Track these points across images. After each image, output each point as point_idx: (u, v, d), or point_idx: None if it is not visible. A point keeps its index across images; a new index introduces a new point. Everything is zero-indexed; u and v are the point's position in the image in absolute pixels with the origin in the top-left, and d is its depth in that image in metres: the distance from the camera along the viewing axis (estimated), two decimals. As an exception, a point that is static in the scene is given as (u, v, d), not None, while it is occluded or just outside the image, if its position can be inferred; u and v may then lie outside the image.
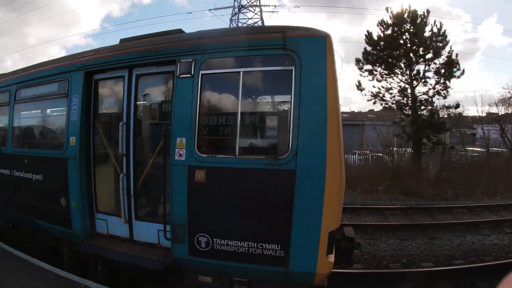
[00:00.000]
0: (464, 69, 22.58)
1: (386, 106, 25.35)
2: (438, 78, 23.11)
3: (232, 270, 5.24)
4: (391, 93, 24.86)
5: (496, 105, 32.45)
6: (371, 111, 41.57)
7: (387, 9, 24.49)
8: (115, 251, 6.10)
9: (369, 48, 25.10)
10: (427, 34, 23.16)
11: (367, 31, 25.17)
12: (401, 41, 23.91)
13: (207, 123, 5.32)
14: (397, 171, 22.68)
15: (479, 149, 31.93)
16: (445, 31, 22.95)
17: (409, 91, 24.08)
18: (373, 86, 25.28)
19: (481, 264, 9.29)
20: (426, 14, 23.26)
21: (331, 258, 4.90)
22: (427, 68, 23.45)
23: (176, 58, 5.49)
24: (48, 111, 8.10)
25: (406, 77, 24.25)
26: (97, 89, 6.78)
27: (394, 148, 26.18)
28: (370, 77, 25.32)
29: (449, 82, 22.95)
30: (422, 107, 23.86)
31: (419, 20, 23.23)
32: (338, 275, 8.23)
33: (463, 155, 27.19)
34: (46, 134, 8.23)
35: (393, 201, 18.21)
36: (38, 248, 8.09)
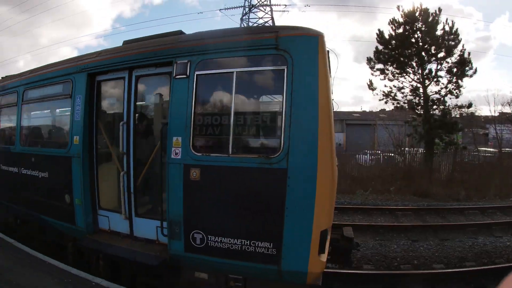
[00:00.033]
0: (476, 68, 22.47)
1: (398, 105, 25.28)
2: (450, 77, 23.00)
3: (226, 267, 5.35)
4: (403, 93, 24.82)
5: (509, 105, 32.07)
6: (383, 110, 41.50)
7: (398, 7, 24.27)
8: (116, 247, 6.34)
9: (380, 47, 25.03)
10: (439, 32, 23.01)
11: (379, 30, 25.17)
12: (413, 40, 23.81)
13: (201, 122, 5.46)
14: (409, 171, 22.53)
15: (491, 149, 31.59)
16: (457, 29, 22.82)
17: (421, 90, 23.96)
18: (385, 86, 25.26)
19: (492, 266, 9.17)
20: (437, 12, 23.15)
21: (324, 257, 4.95)
22: (439, 67, 23.34)
23: (172, 60, 5.66)
24: (54, 111, 8.42)
25: (418, 76, 24.17)
26: (99, 90, 7.05)
27: (406, 148, 26.04)
28: (382, 76, 25.31)
29: (462, 81, 22.85)
30: (434, 107, 23.79)
31: (430, 19, 23.12)
32: (350, 276, 8.45)
33: (476, 156, 26.84)
34: (51, 133, 8.52)
35: (404, 201, 18.20)
36: (43, 243, 8.43)
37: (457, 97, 23.29)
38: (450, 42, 22.73)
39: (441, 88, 23.38)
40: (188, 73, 5.43)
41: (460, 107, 24.08)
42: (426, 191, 19.77)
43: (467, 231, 12.33)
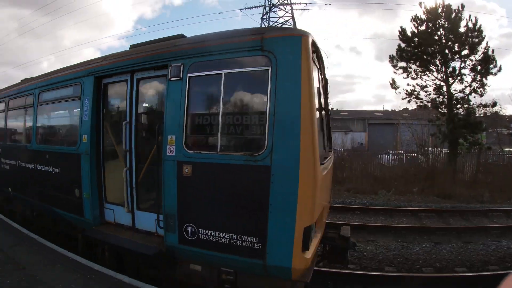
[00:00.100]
0: (500, 65, 22.36)
1: (421, 104, 25.23)
2: (474, 75, 22.86)
3: (217, 260, 5.61)
4: (426, 91, 24.78)
5: (535, 104, 31.78)
6: (405, 109, 41.32)
7: (420, 4, 24.23)
8: (118, 238, 6.82)
9: (403, 45, 25.01)
10: (462, 29, 22.93)
11: (401, 27, 25.17)
12: (436, 37, 23.77)
13: (193, 121, 5.83)
14: (432, 172, 22.26)
15: (516, 150, 31.02)
16: (480, 26, 22.66)
17: (444, 89, 23.89)
18: (408, 84, 25.23)
19: (517, 271, 9.18)
20: (460, 8, 23.03)
21: (308, 254, 5.05)
22: (463, 65, 23.21)
23: (168, 63, 6.05)
24: (65, 111, 8.99)
25: (441, 75, 24.09)
26: (106, 92, 7.63)
27: (429, 148, 25.72)
28: (405, 75, 25.32)
29: (486, 79, 22.70)
30: (458, 106, 23.63)
31: (453, 15, 23.03)
32: (367, 277, 8.56)
33: (500, 156, 26.38)
34: (63, 132, 9.16)
35: (427, 203, 18.15)
36: (57, 234, 9.22)
37: (481, 95, 23.15)
38: (473, 39, 22.58)
39: (465, 87, 23.24)
40: (181, 76, 5.81)
41: (485, 106, 23.86)
42: (449, 192, 19.65)
43: (491, 233, 12.21)
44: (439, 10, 23.58)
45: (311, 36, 5.31)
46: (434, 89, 24.35)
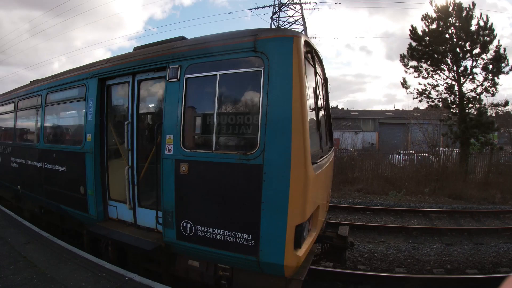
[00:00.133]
0: (512, 64, 22.20)
1: (432, 104, 25.26)
2: (486, 75, 22.86)
3: (212, 256, 5.79)
4: (437, 91, 24.89)
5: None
6: (416, 109, 41.26)
7: (431, 2, 24.33)
8: (119, 233, 7.05)
9: (414, 44, 25.09)
10: (473, 28, 22.91)
11: (411, 26, 25.27)
12: (447, 36, 23.79)
13: (190, 121, 6.04)
14: (443, 172, 22.32)
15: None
16: (491, 24, 22.66)
17: (456, 88, 23.94)
18: (419, 84, 25.29)
19: (528, 273, 9.01)
20: (471, 7, 22.99)
21: (300, 252, 5.15)
22: (474, 63, 23.25)
23: (166, 65, 6.27)
24: (71, 112, 9.27)
25: (452, 74, 24.16)
26: (109, 93, 7.90)
27: (440, 148, 25.56)
28: (416, 74, 25.46)
29: (498, 78, 22.69)
30: (470, 105, 23.61)
31: (464, 13, 23.03)
32: (378, 278, 8.64)
33: (512, 157, 26.15)
34: (69, 132, 9.45)
35: (438, 203, 18.17)
36: (62, 230, 9.79)
37: (493, 95, 23.18)
38: (485, 38, 22.56)
39: (477, 86, 23.27)
40: (178, 77, 6.02)
41: (496, 105, 23.89)
42: (460, 193, 19.65)
43: (503, 235, 12.29)
44: (450, 9, 23.60)
45: (303, 37, 5.46)
46: (445, 89, 24.44)
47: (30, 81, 11.99)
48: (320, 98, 6.61)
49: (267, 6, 51.87)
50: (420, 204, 17.71)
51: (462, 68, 23.64)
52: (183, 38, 7.11)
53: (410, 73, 25.79)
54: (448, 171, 22.50)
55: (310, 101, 6.09)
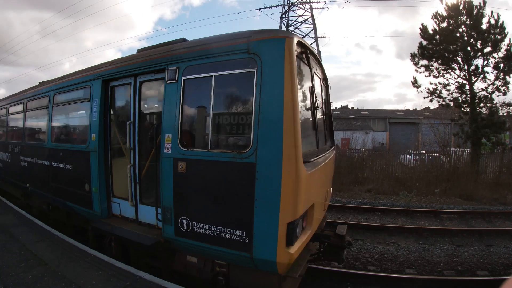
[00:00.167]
0: (524, 63, 22.06)
1: (443, 103, 25.22)
2: (497, 73, 22.78)
3: (209, 252, 5.99)
4: (448, 90, 24.80)
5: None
6: (427, 108, 41.17)
7: (441, 0, 24.23)
8: (121, 229, 7.37)
9: (424, 43, 25.07)
10: (484, 26, 22.80)
11: (422, 24, 25.28)
12: (458, 34, 23.73)
13: (187, 121, 6.30)
14: (454, 172, 22.37)
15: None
16: (503, 22, 22.56)
17: (467, 87, 23.86)
18: (430, 83, 25.23)
19: (539, 275, 8.90)
20: (482, 5, 22.91)
21: (293, 249, 5.27)
22: (485, 62, 23.16)
23: (165, 67, 6.55)
24: (77, 112, 9.64)
25: (464, 73, 24.09)
26: (113, 94, 8.28)
27: (451, 148, 25.49)
28: (427, 73, 25.43)
29: (509, 77, 22.57)
30: (481, 105, 23.55)
31: (475, 12, 22.94)
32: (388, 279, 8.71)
33: (524, 157, 25.76)
34: (75, 131, 9.82)
35: (449, 204, 18.18)
36: (68, 226, 10.17)
37: (504, 94, 23.12)
38: (496, 36, 22.47)
39: (488, 85, 23.23)
40: (176, 78, 6.28)
41: (508, 104, 23.88)
42: (471, 193, 19.63)
43: (514, 236, 12.12)
44: (461, 7, 23.49)
45: (296, 37, 5.62)
46: (456, 88, 24.37)
47: (39, 82, 12.45)
48: (317, 97, 6.76)
49: (276, 6, 52.00)
50: (431, 205, 17.71)
51: (473, 67, 23.52)
52: (184, 40, 7.37)
53: (420, 72, 25.77)
54: (459, 171, 22.43)
55: (306, 101, 6.38)
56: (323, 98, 8.23)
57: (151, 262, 7.35)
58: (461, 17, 23.53)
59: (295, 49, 5.45)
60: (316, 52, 7.46)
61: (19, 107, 12.91)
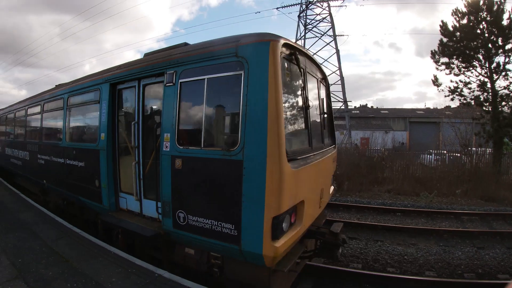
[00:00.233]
0: (547, 60, 21.73)
1: (465, 102, 25.13)
2: (519, 71, 22.33)
3: (203, 244, 6.41)
4: (469, 88, 24.69)
5: None
6: (448, 107, 40.93)
7: (461, -4, 24.30)
8: (128, 222, 7.96)
9: (445, 40, 25.02)
10: (504, 22, 22.64)
11: (442, 21, 25.27)
12: (478, 31, 23.60)
13: (183, 121, 6.70)
14: (476, 173, 22.21)
15: None
16: (524, 18, 22.15)
17: (488, 85, 23.76)
18: (451, 81, 25.14)
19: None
20: (502, 0, 22.78)
21: (278, 243, 5.54)
22: (507, 59, 22.99)
23: (164, 71, 7.10)
24: (88, 113, 10.36)
25: (485, 70, 23.98)
26: (120, 96, 8.95)
27: (473, 148, 25.25)
28: (447, 71, 25.42)
29: (532, 74, 22.10)
30: (503, 103, 23.42)
31: (495, 8, 22.81)
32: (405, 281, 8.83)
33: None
34: (87, 131, 10.56)
35: (470, 205, 18.11)
36: (81, 220, 10.97)
37: (527, 92, 22.63)
38: (517, 32, 22.14)
39: (510, 83, 23.05)
40: (174, 81, 6.80)
41: (530, 103, 23.35)
42: (493, 194, 19.49)
43: (537, 239, 12.19)
44: (481, 3, 23.37)
45: (283, 40, 5.90)
46: (477, 86, 24.28)
47: (56, 85, 13.55)
48: (308, 97, 7.00)
49: (294, 5, 52.03)
50: (452, 206, 17.71)
51: (494, 64, 23.44)
52: (185, 44, 7.84)
53: (441, 70, 25.75)
54: (480, 172, 22.23)
55: (296, 101, 6.81)
56: (321, 97, 8.60)
57: (154, 254, 7.90)
58: (481, 14, 23.40)
59: (281, 51, 5.78)
60: (310, 53, 7.87)
61: (37, 109, 13.88)
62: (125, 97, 8.94)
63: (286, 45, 6.02)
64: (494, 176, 21.35)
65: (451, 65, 25.10)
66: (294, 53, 6.32)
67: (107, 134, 8.78)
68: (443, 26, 25.05)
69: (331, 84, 48.62)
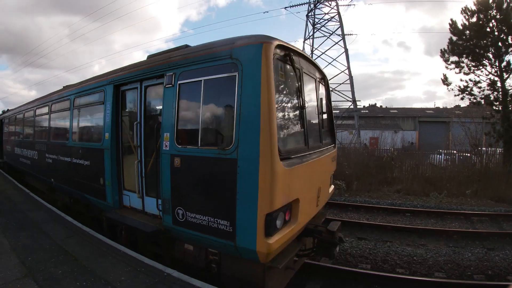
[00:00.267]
0: (557, 58, 21.56)
1: (474, 101, 25.06)
2: (529, 70, 22.21)
3: (201, 240, 6.61)
4: (479, 87, 24.57)
5: None
6: (458, 106, 40.82)
7: (470, -6, 24.25)
8: (130, 219, 8.27)
9: (454, 38, 24.95)
10: (514, 20, 22.34)
11: (451, 20, 25.21)
12: (488, 29, 23.53)
13: (182, 121, 6.95)
14: (486, 173, 22.14)
15: None
16: (534, 16, 22.02)
17: (499, 84, 23.60)
18: (460, 80, 24.99)
19: None
20: (512, -2, 22.44)
21: (272, 240, 5.68)
22: (517, 58, 22.45)
23: (164, 73, 7.37)
24: (93, 114, 10.66)
25: (495, 69, 23.83)
26: (124, 98, 9.27)
27: (483, 148, 25.15)
28: (457, 70, 25.29)
29: (542, 73, 21.96)
30: (514, 102, 23.10)
31: (505, 5, 22.68)
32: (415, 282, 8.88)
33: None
34: (92, 131, 10.86)
35: (481, 206, 18.06)
36: (87, 217, 11.30)
37: (537, 91, 22.43)
38: (527, 31, 21.96)
39: (521, 82, 22.63)
40: (173, 83, 7.06)
41: (542, 102, 23.17)
42: (503, 195, 19.40)
43: (548, 240, 12.15)
44: (490, 1, 23.27)
45: (276, 41, 6.05)
46: (487, 85, 24.14)
47: (63, 86, 14.01)
48: (304, 97, 7.18)
49: (302, 4, 52.06)
50: (462, 206, 17.70)
51: (504, 63, 23.29)
52: (186, 46, 8.10)
53: (451, 69, 25.69)
54: (490, 172, 22.16)
55: (292, 101, 6.95)
56: (320, 97, 8.72)
57: (156, 250, 8.12)
58: (490, 12, 23.27)
59: (275, 53, 5.96)
60: (306, 54, 7.99)
61: (45, 109, 14.36)
62: (128, 98, 9.23)
63: (280, 46, 6.20)
64: (504, 176, 21.25)
65: (461, 64, 24.97)
66: (289, 54, 6.46)
67: (111, 134, 9.10)
68: (453, 25, 24.98)
69: (340, 84, 49.03)
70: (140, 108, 8.47)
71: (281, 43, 6.20)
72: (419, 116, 65.97)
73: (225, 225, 5.99)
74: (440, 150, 28.16)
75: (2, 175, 21.16)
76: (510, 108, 23.21)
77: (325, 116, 9.10)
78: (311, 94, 8.19)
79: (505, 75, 23.39)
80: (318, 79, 8.60)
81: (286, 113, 6.86)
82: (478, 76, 24.53)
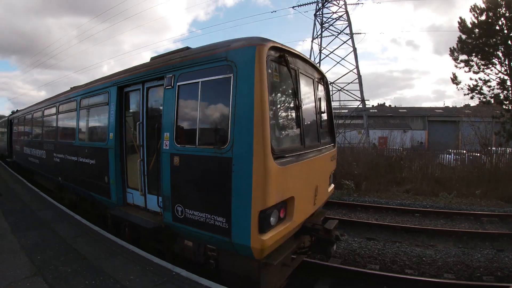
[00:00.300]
0: None
1: (484, 100, 24.97)
2: (539, 68, 22.04)
3: (199, 236, 6.86)
4: (489, 86, 24.49)
5: None
6: (467, 106, 40.69)
7: (479, -8, 24.13)
8: (133, 216, 8.53)
9: (464, 37, 24.88)
10: (524, 18, 22.15)
11: (460, 18, 25.02)
12: (497, 28, 23.46)
13: (181, 121, 7.20)
14: (496, 173, 21.98)
15: None
16: (543, 13, 21.84)
17: (508, 83, 23.55)
18: (470, 79, 25.06)
19: None
20: (521, -4, 22.28)
21: (266, 236, 5.86)
22: (527, 57, 22.43)
23: (164, 75, 7.64)
24: (98, 115, 11.02)
25: (505, 68, 23.74)
26: (127, 99, 9.60)
27: (493, 148, 24.94)
28: (466, 69, 25.22)
29: (552, 72, 21.83)
30: (524, 102, 22.87)
31: (514, 3, 22.37)
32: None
33: None
34: (97, 131, 11.27)
35: (490, 206, 17.94)
36: (93, 215, 11.64)
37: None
38: (537, 29, 21.80)
39: (531, 81, 22.48)
40: (172, 84, 7.31)
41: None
42: None
43: (559, 242, 12.11)
44: (499, -2, 23.05)
45: (271, 43, 6.23)
46: (497, 84, 24.05)
47: (71, 87, 14.45)
48: (300, 97, 7.32)
49: (310, 3, 52.34)
50: (471, 207, 17.66)
51: (514, 62, 23.00)
52: (187, 48, 8.29)
53: (460, 68, 25.59)
54: (500, 172, 22.03)
55: (287, 101, 7.25)
56: (319, 97, 8.89)
57: (157, 246, 8.39)
58: (499, 9, 23.17)
59: (269, 55, 6.14)
60: (303, 55, 8.05)
61: (53, 110, 14.83)
62: (131, 99, 9.53)
63: (274, 48, 6.36)
64: (514, 176, 20.98)
65: (470, 62, 24.89)
66: (283, 55, 6.60)
67: (115, 133, 9.42)
68: (462, 23, 24.88)
69: (349, 83, 49.08)
70: (143, 109, 8.74)
71: (275, 44, 6.37)
72: (429, 116, 65.96)
73: (221, 222, 6.19)
74: (450, 150, 28.17)
75: (11, 174, 21.75)
76: (520, 107, 22.94)
77: (324, 115, 9.30)
78: (309, 94, 8.38)
79: (515, 74, 23.06)
80: (316, 79, 8.79)
81: (281, 113, 7.18)
82: (488, 75, 24.47)
